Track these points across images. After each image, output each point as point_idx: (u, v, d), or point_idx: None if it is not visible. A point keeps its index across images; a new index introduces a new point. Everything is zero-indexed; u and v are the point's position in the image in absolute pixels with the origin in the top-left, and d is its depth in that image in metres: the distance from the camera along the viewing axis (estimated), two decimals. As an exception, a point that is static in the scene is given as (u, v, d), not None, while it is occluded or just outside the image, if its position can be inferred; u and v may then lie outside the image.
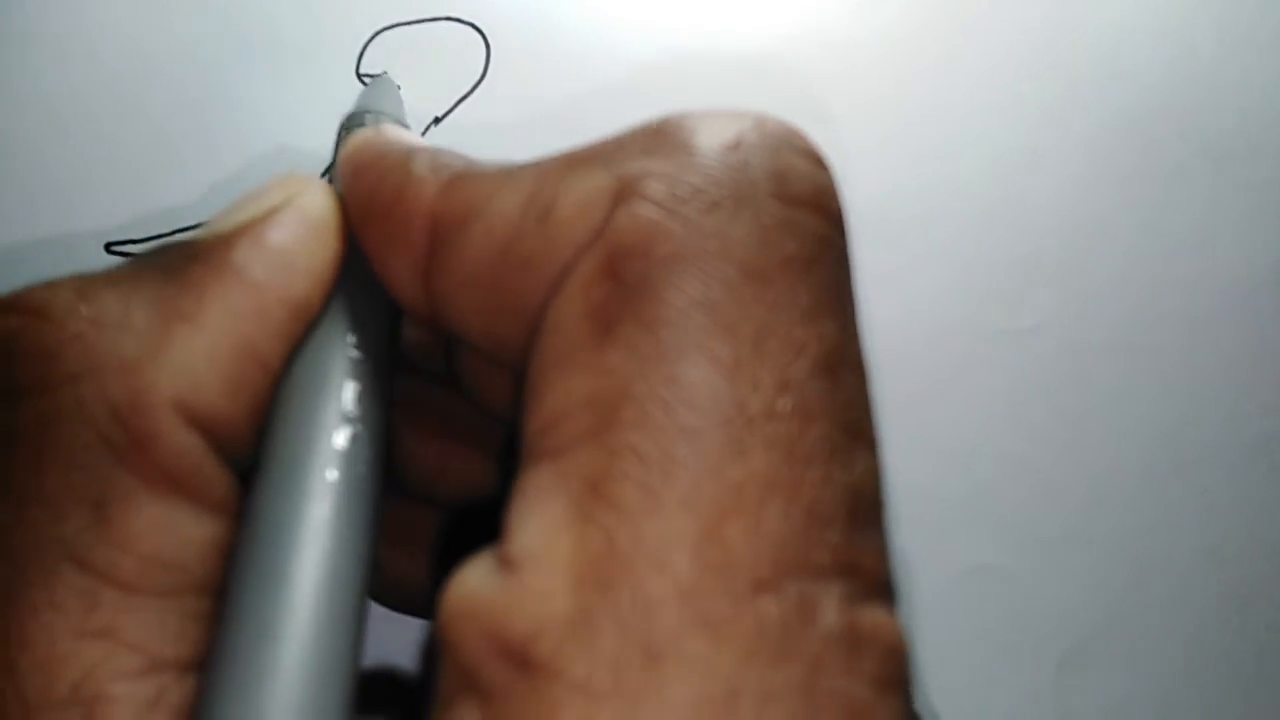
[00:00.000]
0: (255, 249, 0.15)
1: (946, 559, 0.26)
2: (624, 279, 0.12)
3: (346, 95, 0.29)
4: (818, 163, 0.14)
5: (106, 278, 0.15)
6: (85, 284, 0.15)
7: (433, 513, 0.20)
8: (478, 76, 0.30)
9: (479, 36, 0.30)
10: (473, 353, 0.19)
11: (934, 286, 0.28)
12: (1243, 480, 0.26)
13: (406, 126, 0.20)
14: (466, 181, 0.15)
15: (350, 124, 0.20)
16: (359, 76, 0.30)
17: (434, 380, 0.20)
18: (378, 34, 0.30)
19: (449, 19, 0.30)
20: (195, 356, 0.14)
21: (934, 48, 0.31)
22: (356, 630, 0.13)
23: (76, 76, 0.29)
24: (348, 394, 0.15)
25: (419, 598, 0.20)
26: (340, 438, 0.14)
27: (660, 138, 0.14)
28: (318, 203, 0.16)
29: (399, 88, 0.23)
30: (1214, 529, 0.26)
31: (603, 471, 0.12)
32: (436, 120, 0.29)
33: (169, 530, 0.14)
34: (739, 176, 0.13)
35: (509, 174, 0.14)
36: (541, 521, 0.12)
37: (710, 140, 0.13)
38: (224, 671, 0.13)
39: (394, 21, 0.30)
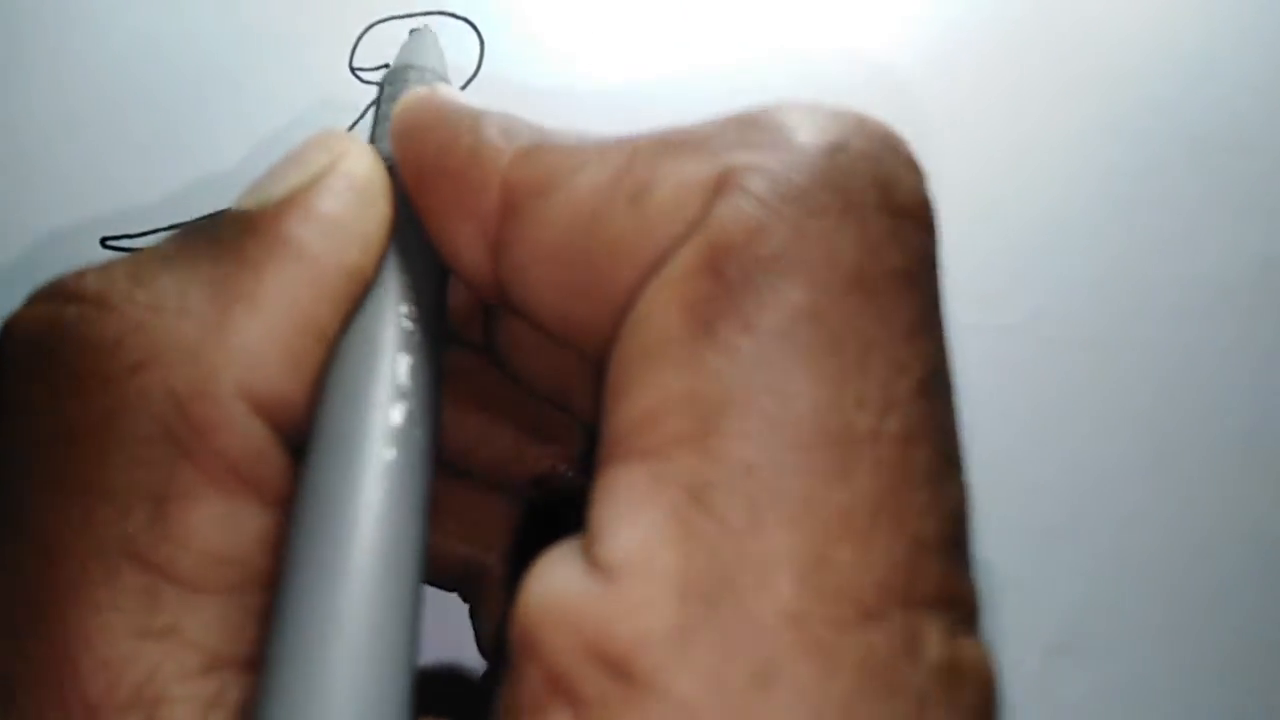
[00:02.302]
0: (307, 219, 0.14)
1: (934, 552, 0.26)
2: (725, 275, 0.12)
3: (340, 89, 0.29)
4: (919, 173, 0.13)
5: (160, 258, 0.14)
6: (139, 267, 0.14)
7: (460, 484, 0.20)
8: (471, 71, 0.30)
9: (473, 31, 0.30)
10: (513, 323, 0.19)
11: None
12: (1226, 473, 0.27)
13: (448, 82, 0.19)
14: (546, 150, 0.14)
15: (394, 79, 0.19)
16: (352, 70, 0.30)
17: (468, 349, 0.20)
18: (371, 27, 0.30)
19: (443, 13, 0.30)
20: (256, 337, 0.13)
21: (918, 41, 0.31)
22: (415, 618, 0.13)
23: (76, 67, 0.29)
24: (401, 367, 0.14)
25: (443, 569, 0.20)
26: (396, 414, 0.14)
27: (760, 130, 0.13)
28: (364, 165, 0.15)
29: (439, 40, 0.21)
30: (1197, 521, 0.26)
31: (706, 480, 0.11)
32: (430, 114, 0.29)
33: (230, 525, 0.13)
34: (845, 182, 0.12)
35: (594, 148, 0.14)
36: (640, 528, 0.11)
37: (814, 139, 0.13)
38: (280, 666, 0.12)
39: (388, 15, 0.30)
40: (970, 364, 0.28)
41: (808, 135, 0.13)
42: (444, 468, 0.19)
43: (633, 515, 0.11)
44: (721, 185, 0.12)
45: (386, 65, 0.30)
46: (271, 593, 0.13)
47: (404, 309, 0.15)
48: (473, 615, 0.21)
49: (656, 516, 0.11)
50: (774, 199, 0.12)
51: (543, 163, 0.14)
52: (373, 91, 0.30)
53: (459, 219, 0.15)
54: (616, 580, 0.11)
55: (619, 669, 0.11)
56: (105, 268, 0.14)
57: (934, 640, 0.11)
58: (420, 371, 0.14)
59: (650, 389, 0.12)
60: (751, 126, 0.13)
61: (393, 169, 0.16)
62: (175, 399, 0.13)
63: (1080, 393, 0.27)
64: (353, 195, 0.15)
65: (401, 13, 0.30)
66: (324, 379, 0.14)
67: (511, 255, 0.14)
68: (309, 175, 0.15)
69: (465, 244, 0.15)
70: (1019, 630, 0.25)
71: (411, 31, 0.22)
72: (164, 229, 0.27)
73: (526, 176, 0.14)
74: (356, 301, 0.15)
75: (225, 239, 0.14)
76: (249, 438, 0.13)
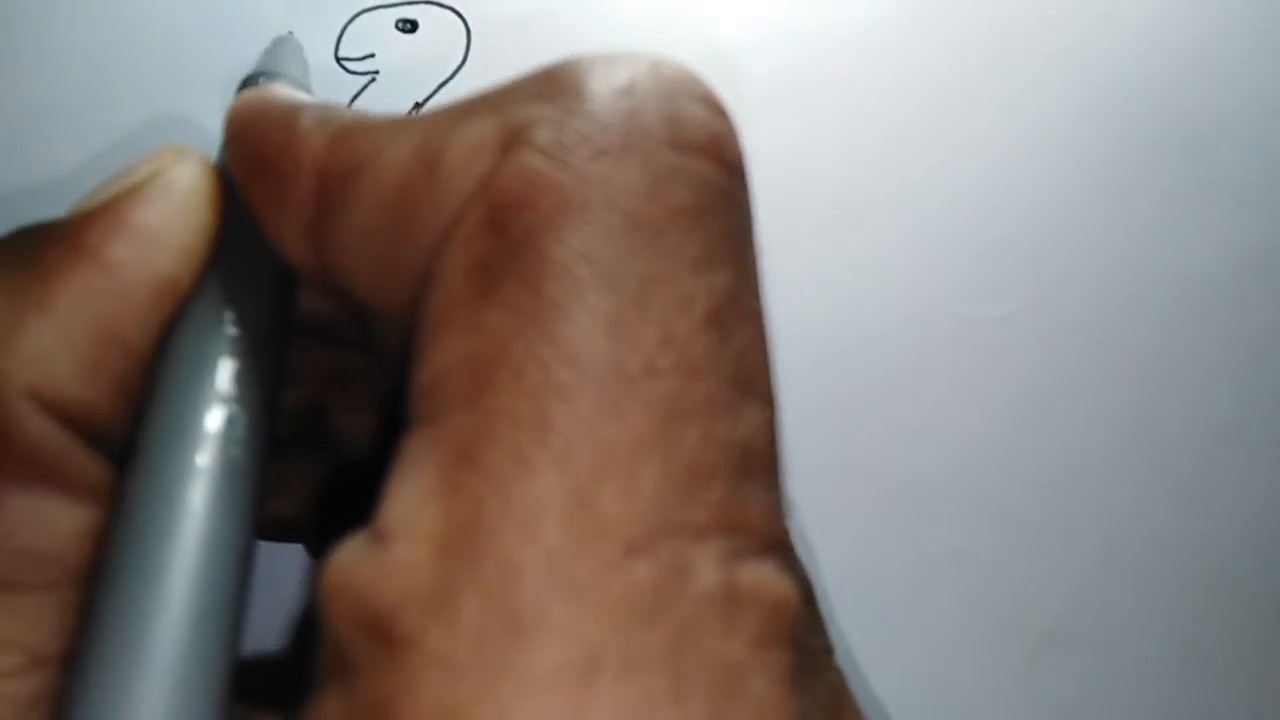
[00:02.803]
0: (112, 228, 0.14)
1: (921, 543, 0.26)
2: (507, 232, 0.12)
3: (326, 77, 0.29)
4: (716, 109, 0.13)
5: None
6: None
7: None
8: (458, 61, 0.30)
9: (460, 21, 0.30)
10: (381, 320, 0.19)
11: (907, 273, 0.28)
12: (1215, 465, 0.27)
13: (308, 89, 0.19)
14: (355, 133, 0.14)
15: (245, 86, 0.19)
16: (338, 60, 0.30)
17: (354, 351, 0.20)
18: (357, 16, 0.30)
19: (429, 3, 0.30)
20: (47, 343, 0.14)
21: (907, 30, 0.31)
22: (234, 618, 0.13)
23: (59, 52, 0.29)
24: (223, 373, 0.14)
25: None
26: (214, 419, 0.14)
27: (552, 82, 0.13)
28: (187, 174, 0.15)
29: (303, 49, 0.21)
30: (1186, 513, 0.26)
31: (475, 436, 0.11)
32: (417, 105, 0.29)
33: (38, 522, 0.13)
34: (629, 123, 0.12)
35: (400, 124, 0.14)
36: (412, 490, 0.11)
37: (602, 85, 0.13)
38: (91, 665, 0.12)
39: (374, 4, 0.30)
40: (965, 355, 0.28)
41: (596, 82, 0.13)
42: (353, 466, 0.20)
43: (405, 479, 0.11)
44: (508, 142, 0.12)
45: (373, 55, 0.30)
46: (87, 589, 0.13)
47: (230, 314, 0.15)
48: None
49: (426, 478, 0.11)
50: (556, 149, 0.12)
51: (353, 145, 0.14)
52: (358, 82, 0.29)
53: (279, 212, 0.14)
54: (385, 545, 0.11)
55: (382, 633, 0.11)
56: None
57: (707, 568, 0.11)
58: (246, 376, 0.15)
59: (436, 354, 0.12)
60: (545, 80, 0.13)
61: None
62: None
63: (1070, 383, 0.27)
64: (168, 204, 0.15)
65: (390, 2, 0.30)
66: (147, 387, 0.14)
67: (329, 241, 0.14)
68: (127, 185, 0.15)
69: (287, 234, 0.15)
70: (1010, 621, 0.25)
71: (273, 40, 0.22)
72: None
73: (337, 160, 0.14)
74: (172, 309, 0.15)
75: (27, 247, 0.15)
76: (45, 438, 0.13)
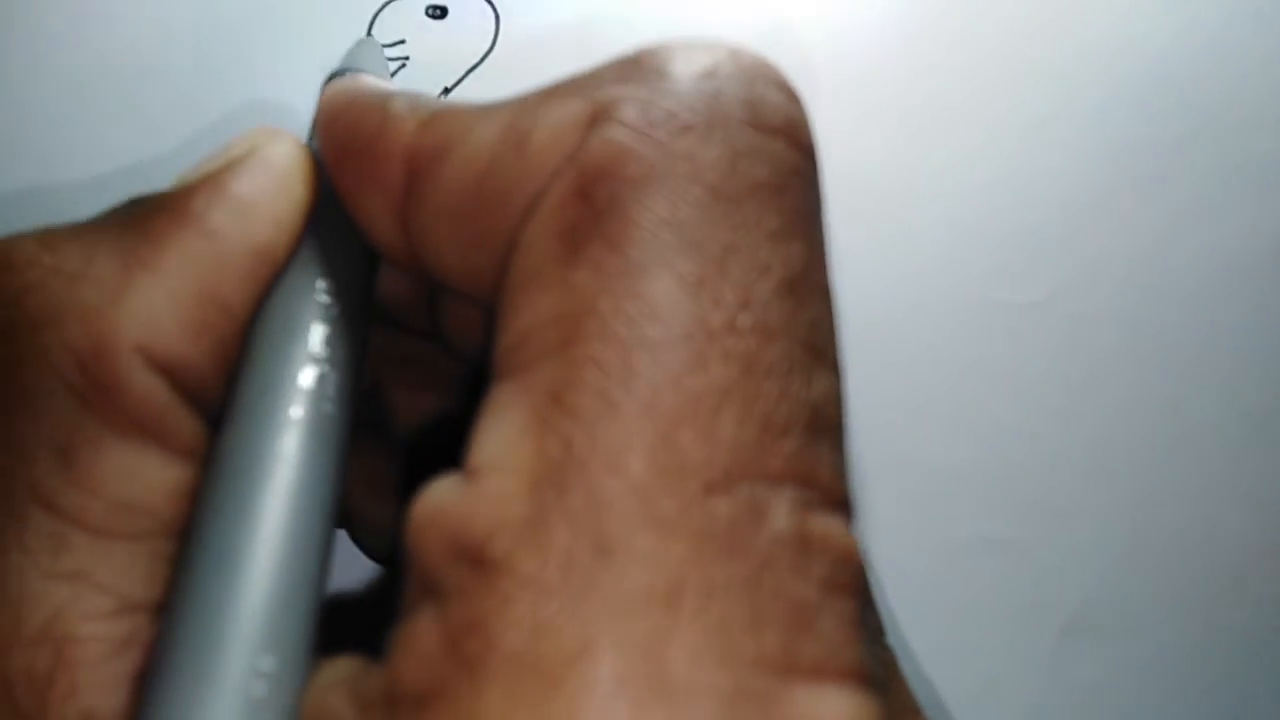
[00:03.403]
0: (216, 198, 0.15)
1: (949, 530, 0.26)
2: (594, 200, 0.13)
3: (357, 65, 0.29)
4: (791, 95, 0.14)
5: (70, 230, 0.15)
6: (48, 235, 0.15)
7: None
8: (487, 48, 0.30)
9: (489, 7, 0.30)
10: (455, 304, 0.19)
11: (935, 261, 0.28)
12: (1242, 453, 0.26)
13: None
14: (444, 117, 0.15)
15: (331, 80, 0.20)
16: (369, 47, 0.30)
17: (419, 335, 0.20)
18: (388, 3, 0.30)
19: (459, -11, 0.30)
20: (156, 302, 0.14)
21: (937, 18, 0.31)
22: (320, 558, 0.14)
23: (91, 42, 0.29)
24: (315, 336, 0.15)
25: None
26: (306, 377, 0.15)
27: (636, 66, 0.14)
28: (283, 151, 0.16)
29: (383, 49, 0.22)
30: (1214, 501, 0.26)
31: (564, 382, 0.12)
32: (446, 90, 0.29)
33: (137, 474, 0.14)
34: (712, 102, 0.13)
35: (488, 108, 0.14)
36: (503, 431, 0.12)
37: (685, 68, 0.14)
38: (186, 605, 0.13)
39: (404, -9, 0.30)
40: (991, 341, 0.28)
41: (680, 65, 0.14)
42: (406, 452, 0.20)
43: (497, 422, 0.12)
44: (595, 119, 0.13)
45: (403, 41, 0.30)
46: (177, 542, 0.14)
47: (321, 284, 0.16)
48: None
49: (518, 419, 0.12)
50: (642, 124, 0.13)
51: (442, 127, 0.15)
52: (389, 69, 0.29)
53: (369, 193, 0.15)
54: (478, 481, 0.12)
55: (475, 559, 0.11)
56: (15, 235, 0.15)
57: (781, 512, 0.12)
58: (336, 341, 0.15)
59: (525, 313, 0.13)
60: (630, 64, 0.14)
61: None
62: (75, 355, 0.14)
63: (1099, 371, 0.27)
64: (266, 178, 0.16)
65: (418, -11, 0.30)
66: (243, 348, 0.15)
67: (417, 220, 0.15)
68: (226, 160, 0.16)
69: (377, 216, 0.15)
70: (1036, 610, 0.25)
71: (356, 42, 0.23)
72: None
73: (427, 142, 0.15)
74: (269, 277, 0.16)
75: (136, 215, 0.15)
76: (150, 394, 0.14)
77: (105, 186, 0.28)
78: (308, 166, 0.16)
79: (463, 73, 0.30)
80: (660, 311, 0.12)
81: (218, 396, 0.15)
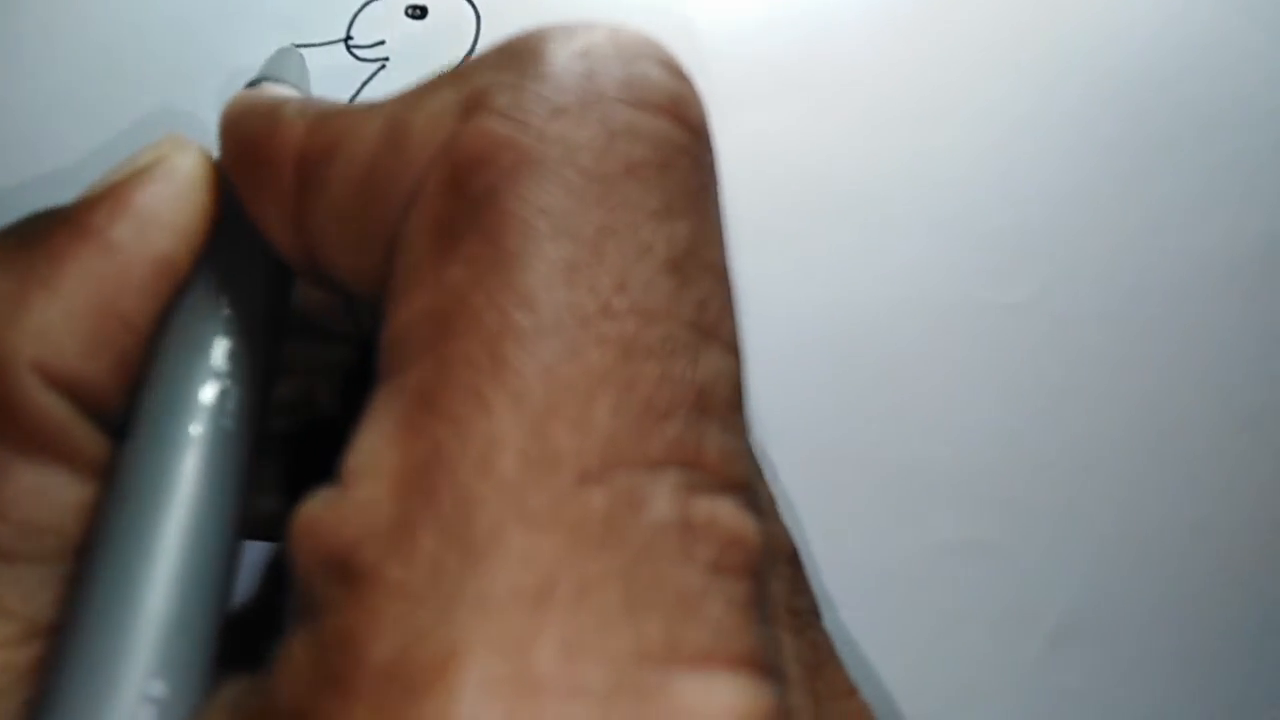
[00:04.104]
0: (116, 210, 0.15)
1: (936, 534, 0.26)
2: (467, 192, 0.12)
3: (337, 65, 0.29)
4: (675, 72, 0.14)
5: None
6: None
7: None
8: (468, 48, 0.30)
9: (470, 7, 0.30)
10: (367, 309, 0.19)
11: (918, 261, 0.28)
12: (1232, 453, 0.26)
13: (307, 94, 0.20)
14: (332, 118, 0.14)
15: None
16: (348, 47, 0.29)
17: (344, 342, 0.20)
18: (368, 3, 0.30)
19: (439, -11, 0.30)
20: (52, 319, 0.14)
21: (919, 14, 0.31)
22: (220, 584, 0.14)
23: (64, 47, 0.29)
24: (217, 351, 0.15)
25: None
26: (207, 393, 0.14)
27: (511, 52, 0.13)
28: (187, 161, 0.16)
29: (303, 58, 0.22)
30: (1203, 503, 0.26)
31: (433, 382, 0.11)
32: (427, 92, 0.29)
33: (42, 495, 0.14)
34: (585, 83, 0.13)
35: (373, 106, 0.14)
36: (373, 437, 0.12)
37: (559, 50, 0.13)
38: (76, 630, 0.13)
39: (384, -9, 0.30)
40: (976, 343, 0.28)
41: (554, 47, 0.13)
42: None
43: (369, 427, 0.12)
44: (469, 108, 0.13)
45: (383, 41, 0.29)
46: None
47: (224, 296, 0.15)
48: None
49: (387, 423, 0.12)
50: (514, 110, 0.13)
51: (329, 129, 0.14)
52: (368, 69, 0.29)
53: (264, 199, 0.15)
54: (347, 489, 0.12)
55: (343, 570, 0.11)
56: None
57: (662, 498, 0.11)
58: (240, 355, 0.15)
59: (400, 313, 0.12)
60: (506, 51, 0.14)
61: None
62: None
63: (1086, 371, 0.27)
64: (168, 188, 0.16)
65: (398, -11, 0.30)
66: (145, 363, 0.15)
67: (308, 224, 0.15)
68: (130, 171, 0.16)
69: (271, 220, 0.15)
70: (1023, 614, 0.25)
71: (277, 50, 0.23)
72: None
73: (315, 144, 0.14)
74: (170, 289, 0.15)
75: (35, 231, 0.15)
76: (50, 412, 0.14)
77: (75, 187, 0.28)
78: (212, 176, 0.16)
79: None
80: (533, 300, 0.12)
81: (122, 410, 0.15)
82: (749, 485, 0.12)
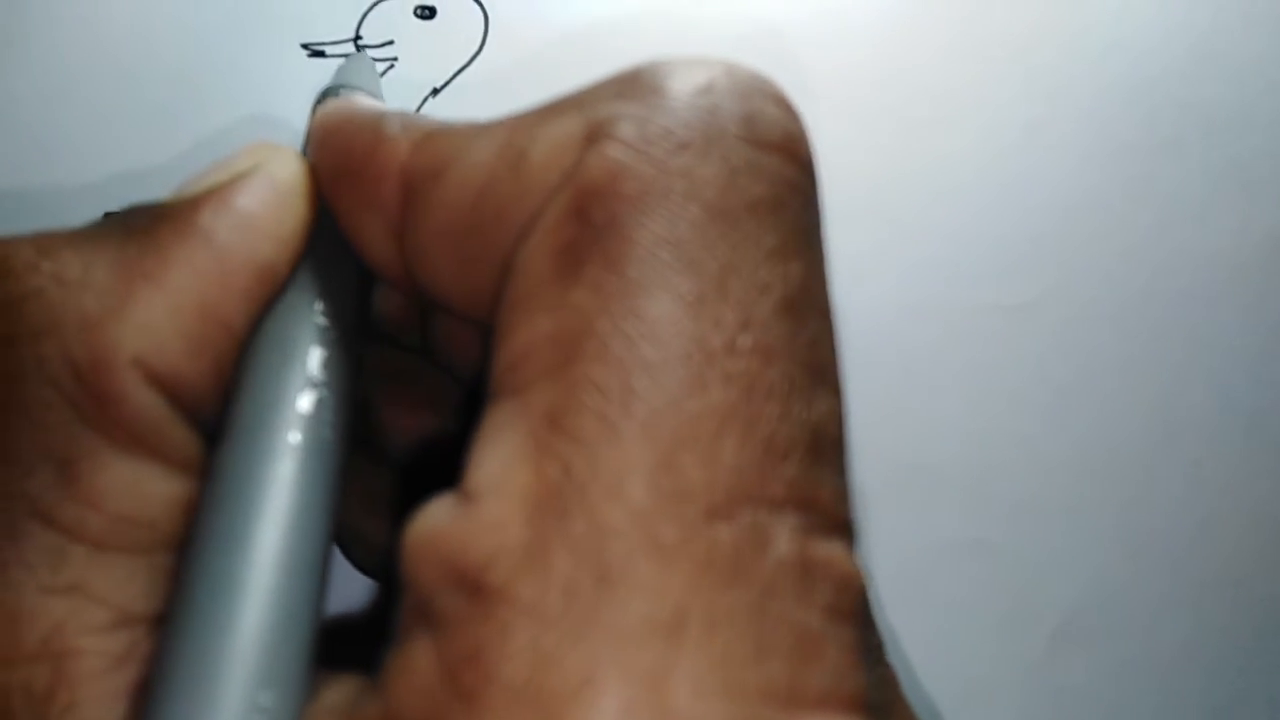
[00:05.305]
0: (220, 212, 0.15)
1: (939, 533, 0.26)
2: (591, 219, 0.12)
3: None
4: (788, 110, 0.14)
5: (67, 236, 0.15)
6: (46, 240, 0.15)
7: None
8: (476, 48, 0.30)
9: (478, 7, 0.30)
10: (448, 322, 0.19)
11: (928, 262, 0.28)
12: (1235, 453, 0.26)
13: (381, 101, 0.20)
14: (439, 136, 0.15)
15: (324, 98, 0.20)
16: (357, 47, 0.30)
17: (411, 352, 0.20)
18: (376, 3, 0.30)
19: (448, -11, 0.30)
20: (156, 315, 0.14)
21: (927, 19, 0.31)
22: (317, 586, 0.14)
23: (72, 50, 0.29)
24: (313, 359, 0.15)
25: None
26: (305, 402, 0.15)
27: (633, 83, 0.14)
28: (286, 169, 0.16)
29: (375, 64, 0.22)
30: (1206, 502, 0.26)
31: (562, 404, 0.12)
32: (435, 91, 0.29)
33: (135, 487, 0.14)
34: (708, 119, 0.13)
35: (482, 127, 0.14)
36: (500, 454, 0.12)
37: (682, 84, 0.13)
38: (185, 639, 0.13)
39: (392, -9, 0.30)
40: (981, 344, 0.28)
41: (676, 82, 0.13)
42: (398, 468, 0.20)
43: (493, 444, 0.12)
44: (592, 137, 0.13)
45: (391, 42, 0.30)
46: (176, 555, 0.14)
47: (319, 306, 0.16)
48: None
49: (515, 442, 0.12)
50: (639, 141, 0.13)
51: (436, 147, 0.14)
52: (378, 69, 0.29)
53: (364, 213, 0.15)
54: (474, 505, 0.12)
55: (473, 586, 0.11)
56: (10, 239, 0.15)
57: (783, 538, 0.11)
58: (333, 364, 0.15)
59: (521, 333, 0.13)
60: (626, 81, 0.14)
61: None
62: (74, 366, 0.14)
63: (1090, 372, 0.27)
64: (270, 194, 0.16)
65: (406, -11, 0.30)
66: (239, 367, 0.15)
67: (413, 241, 0.15)
68: (230, 175, 0.16)
69: (372, 237, 0.15)
70: (1026, 613, 0.25)
71: (347, 57, 0.23)
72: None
73: (422, 162, 0.15)
74: (268, 294, 0.15)
75: (138, 224, 0.15)
76: (148, 408, 0.14)
77: (88, 189, 0.28)
78: (309, 184, 0.16)
79: (452, 73, 0.29)
80: (659, 332, 0.12)
81: (212, 412, 0.15)
82: (853, 528, 0.13)
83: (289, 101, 0.29)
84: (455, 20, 0.30)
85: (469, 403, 0.20)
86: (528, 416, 0.12)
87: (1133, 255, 0.28)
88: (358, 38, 0.30)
